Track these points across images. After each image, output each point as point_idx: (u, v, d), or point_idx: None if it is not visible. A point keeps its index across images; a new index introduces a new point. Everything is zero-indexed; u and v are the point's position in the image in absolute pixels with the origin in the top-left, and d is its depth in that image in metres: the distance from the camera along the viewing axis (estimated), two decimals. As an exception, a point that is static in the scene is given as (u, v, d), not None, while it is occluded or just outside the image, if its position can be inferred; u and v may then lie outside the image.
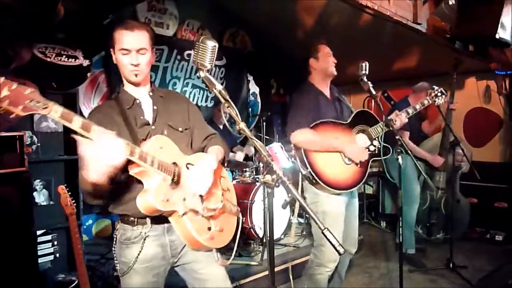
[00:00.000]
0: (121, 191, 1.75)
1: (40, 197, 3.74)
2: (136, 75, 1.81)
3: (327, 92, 2.96)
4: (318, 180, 2.66)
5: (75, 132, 1.43)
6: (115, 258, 1.84)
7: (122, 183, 1.70)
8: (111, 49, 1.85)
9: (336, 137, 2.78)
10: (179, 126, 1.94)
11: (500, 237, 5.05)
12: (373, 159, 2.86)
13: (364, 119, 2.94)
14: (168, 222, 1.76)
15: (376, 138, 2.88)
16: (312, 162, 2.71)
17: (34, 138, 3.70)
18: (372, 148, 2.86)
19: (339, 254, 1.22)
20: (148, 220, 1.77)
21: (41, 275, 3.42)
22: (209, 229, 1.80)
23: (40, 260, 3.48)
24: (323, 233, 1.23)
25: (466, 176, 4.74)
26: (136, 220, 1.79)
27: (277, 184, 1.36)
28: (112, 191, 1.70)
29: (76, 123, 1.41)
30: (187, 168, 1.78)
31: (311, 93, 2.87)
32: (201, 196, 1.78)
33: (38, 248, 3.48)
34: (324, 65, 2.90)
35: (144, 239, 1.77)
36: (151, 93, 1.95)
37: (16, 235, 3.10)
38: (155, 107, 1.91)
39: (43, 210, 3.67)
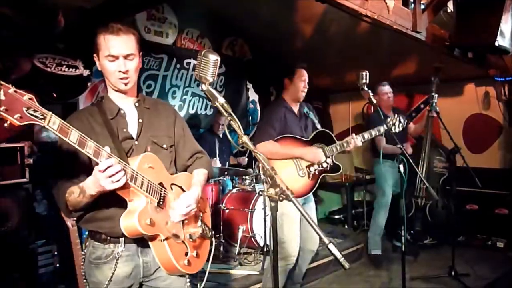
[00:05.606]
0: (97, 207, 1.65)
1: (40, 207, 3.73)
2: (125, 84, 1.71)
3: (296, 108, 3.27)
4: None
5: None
6: (84, 278, 1.72)
7: (100, 199, 1.59)
8: (95, 55, 1.73)
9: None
10: (164, 142, 1.84)
11: (502, 244, 5.03)
12: (323, 174, 3.18)
13: (324, 138, 3.26)
14: (142, 241, 1.68)
15: (330, 157, 3.19)
16: None
17: (34, 148, 3.69)
18: (325, 164, 3.16)
19: (344, 269, 1.22)
20: (122, 239, 1.67)
21: (40, 286, 3.40)
22: (186, 254, 1.76)
23: (40, 271, 3.46)
24: (327, 247, 1.23)
25: (466, 183, 4.74)
26: (108, 238, 1.68)
27: (280, 198, 1.35)
28: (88, 206, 1.62)
29: (72, 137, 1.38)
30: (171, 189, 1.76)
31: (281, 109, 3.17)
32: (182, 220, 1.76)
33: (38, 259, 3.46)
34: (294, 89, 3.19)
35: (117, 260, 1.66)
36: (137, 104, 1.83)
37: (17, 246, 3.09)
38: (140, 120, 1.80)
39: (43, 220, 3.65)
